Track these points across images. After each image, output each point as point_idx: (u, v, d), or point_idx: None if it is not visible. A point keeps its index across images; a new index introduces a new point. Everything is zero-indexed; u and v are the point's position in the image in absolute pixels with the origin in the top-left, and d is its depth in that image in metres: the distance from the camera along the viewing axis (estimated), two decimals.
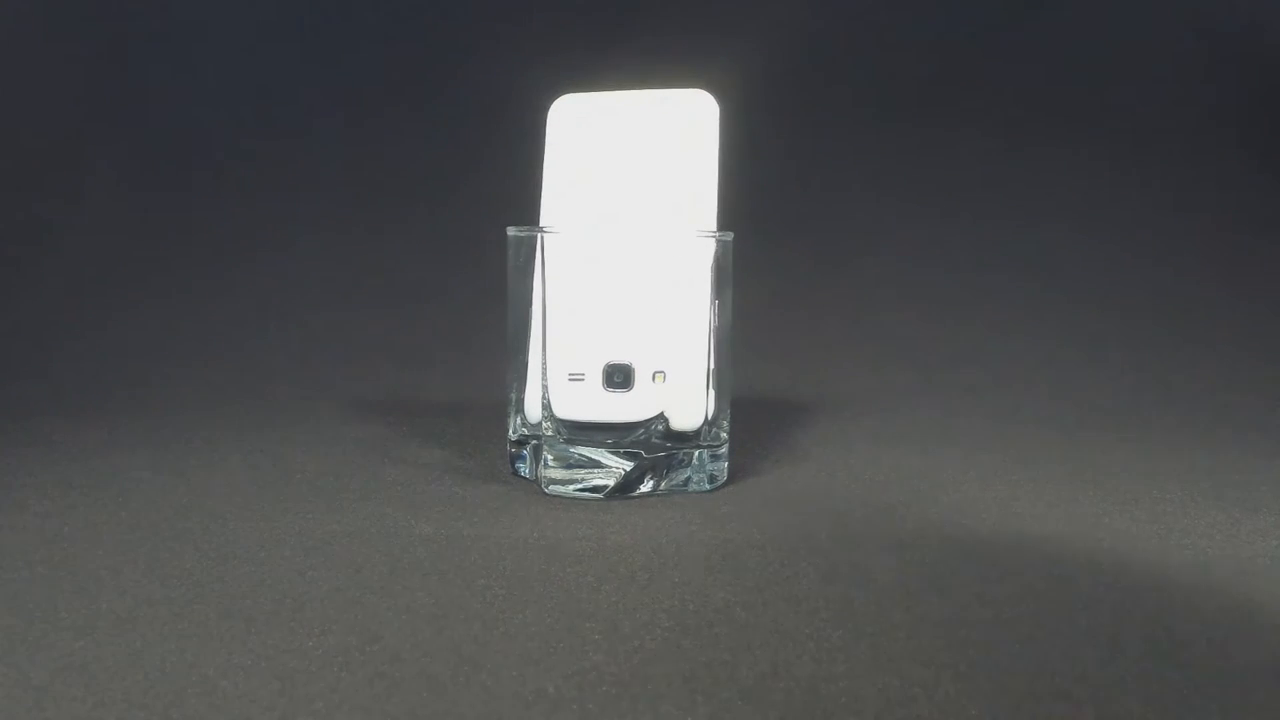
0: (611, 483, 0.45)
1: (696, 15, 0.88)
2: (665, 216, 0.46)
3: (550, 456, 0.45)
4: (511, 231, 0.46)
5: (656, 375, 0.44)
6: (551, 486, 0.45)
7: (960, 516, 0.43)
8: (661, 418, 0.45)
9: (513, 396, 0.47)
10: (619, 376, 0.44)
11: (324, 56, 0.91)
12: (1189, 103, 0.93)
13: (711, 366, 0.45)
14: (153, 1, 0.91)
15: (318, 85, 0.91)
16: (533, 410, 0.46)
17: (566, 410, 0.44)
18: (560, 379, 0.44)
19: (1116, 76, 0.93)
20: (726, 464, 0.47)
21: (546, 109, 0.48)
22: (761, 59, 0.83)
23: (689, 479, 0.46)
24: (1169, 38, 0.92)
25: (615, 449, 0.45)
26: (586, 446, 0.45)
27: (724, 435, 0.47)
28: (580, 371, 0.44)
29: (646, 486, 0.45)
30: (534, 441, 0.47)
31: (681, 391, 0.45)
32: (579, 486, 0.45)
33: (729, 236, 0.45)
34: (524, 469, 0.48)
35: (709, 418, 0.45)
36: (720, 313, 0.45)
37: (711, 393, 0.45)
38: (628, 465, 0.45)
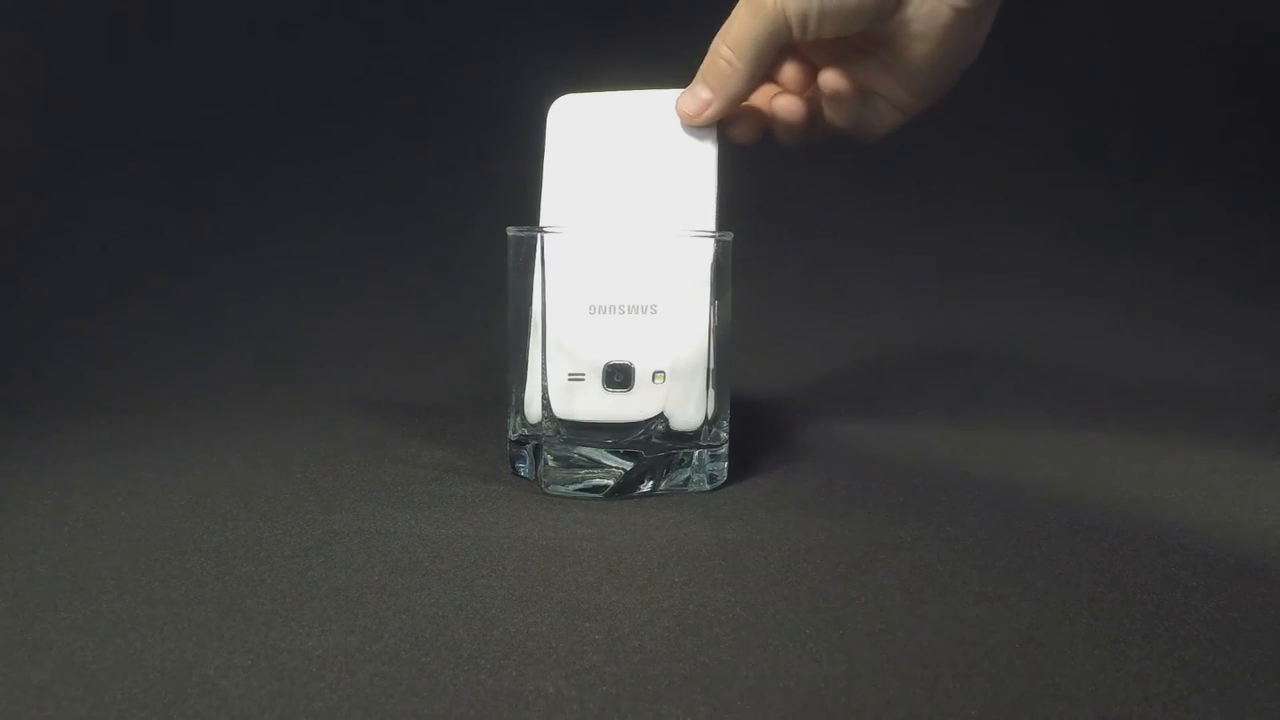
0: (611, 483, 0.45)
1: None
2: (666, 217, 0.46)
3: (550, 456, 0.45)
4: (511, 231, 0.46)
5: (656, 375, 0.44)
6: (551, 486, 0.45)
7: (960, 516, 0.43)
8: (661, 418, 0.45)
9: (513, 396, 0.47)
10: (619, 376, 0.44)
11: (322, 55, 0.92)
12: (1188, 100, 0.93)
13: (711, 366, 0.45)
14: (151, 2, 0.91)
15: (317, 84, 0.91)
16: (533, 410, 0.46)
17: (566, 410, 0.44)
18: (560, 379, 0.44)
19: (1118, 75, 0.93)
20: (726, 464, 0.47)
21: (546, 109, 0.48)
22: None
23: (689, 479, 0.46)
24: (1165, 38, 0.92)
25: (615, 449, 0.45)
26: (586, 446, 0.45)
27: (724, 435, 0.47)
28: (580, 372, 0.44)
29: (646, 486, 0.45)
30: (534, 441, 0.47)
31: (681, 391, 0.45)
32: (579, 486, 0.45)
33: (729, 236, 0.45)
34: (524, 469, 0.48)
35: (709, 417, 0.45)
36: (720, 313, 0.45)
37: (711, 392, 0.45)
38: (628, 465, 0.45)
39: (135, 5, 0.89)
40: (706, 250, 0.45)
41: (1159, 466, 0.51)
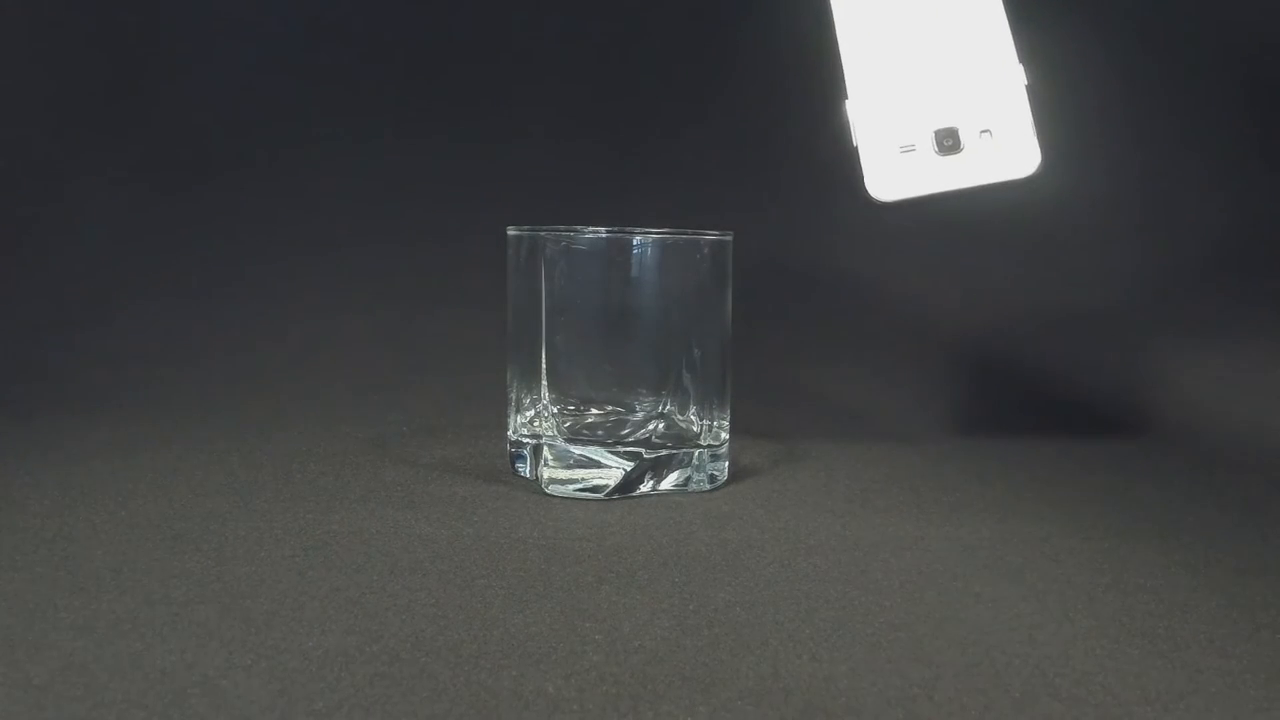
0: (611, 483, 0.45)
1: None
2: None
3: (550, 456, 0.45)
4: (511, 231, 0.46)
5: (983, 134, 0.41)
6: (551, 486, 0.45)
7: (960, 516, 0.43)
8: (663, 418, 0.45)
9: (512, 396, 0.47)
10: (949, 140, 0.41)
11: (323, 53, 0.91)
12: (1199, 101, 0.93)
13: (1031, 117, 0.42)
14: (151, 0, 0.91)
15: (319, 82, 0.91)
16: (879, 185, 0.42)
17: (897, 189, 0.42)
18: (889, 153, 0.41)
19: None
20: (726, 464, 0.47)
21: None
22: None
23: (689, 479, 0.46)
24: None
25: (615, 449, 0.45)
26: (587, 446, 0.45)
27: (724, 435, 0.47)
28: (910, 142, 0.41)
29: (646, 486, 0.45)
30: (534, 441, 0.47)
31: (1008, 143, 0.41)
32: (579, 486, 0.45)
33: (729, 236, 0.45)
34: (524, 469, 0.48)
35: (1040, 165, 0.42)
36: (720, 314, 0.45)
37: (1035, 137, 0.42)
38: (628, 465, 0.45)
39: (134, 5, 0.89)
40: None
41: (1159, 466, 0.51)
